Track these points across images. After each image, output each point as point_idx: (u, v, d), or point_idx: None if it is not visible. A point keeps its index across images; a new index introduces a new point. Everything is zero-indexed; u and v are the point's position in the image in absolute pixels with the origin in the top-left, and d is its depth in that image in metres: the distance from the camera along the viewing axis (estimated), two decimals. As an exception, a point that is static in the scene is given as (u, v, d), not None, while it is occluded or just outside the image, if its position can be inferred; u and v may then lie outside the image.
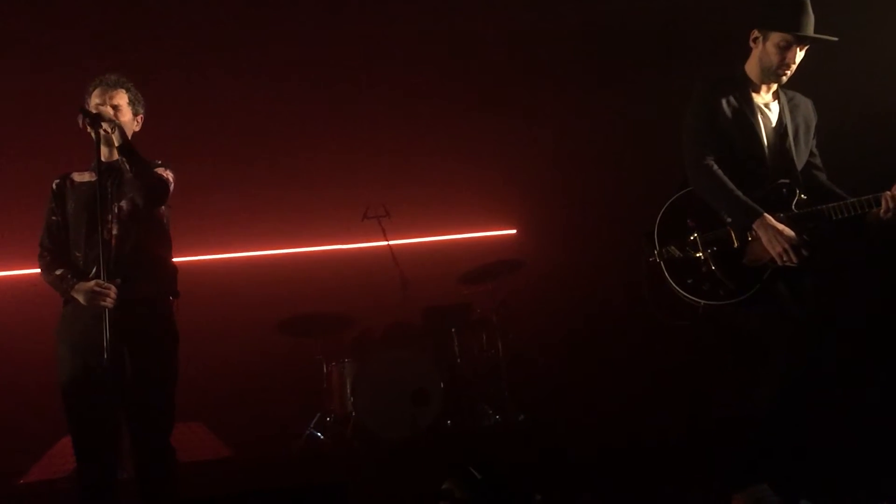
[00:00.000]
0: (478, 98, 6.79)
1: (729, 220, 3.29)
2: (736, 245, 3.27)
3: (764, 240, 3.19)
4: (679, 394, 5.25)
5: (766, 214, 3.20)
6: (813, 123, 3.51)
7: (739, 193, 3.26)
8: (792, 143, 3.41)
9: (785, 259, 3.16)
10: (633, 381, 5.69)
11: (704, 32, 5.55)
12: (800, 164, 3.43)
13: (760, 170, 3.36)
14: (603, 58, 6.44)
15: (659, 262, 3.36)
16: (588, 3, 6.13)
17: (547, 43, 6.50)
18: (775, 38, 3.33)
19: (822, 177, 3.52)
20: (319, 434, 5.63)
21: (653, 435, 4.50)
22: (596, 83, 6.50)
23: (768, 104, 3.46)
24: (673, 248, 3.36)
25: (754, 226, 3.20)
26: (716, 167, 3.32)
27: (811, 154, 3.52)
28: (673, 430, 4.50)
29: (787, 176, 3.37)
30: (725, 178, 3.29)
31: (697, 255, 3.32)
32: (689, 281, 3.31)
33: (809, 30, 3.31)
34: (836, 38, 3.32)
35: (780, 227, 3.18)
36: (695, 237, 3.34)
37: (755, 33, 3.41)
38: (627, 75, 6.29)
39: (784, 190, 3.33)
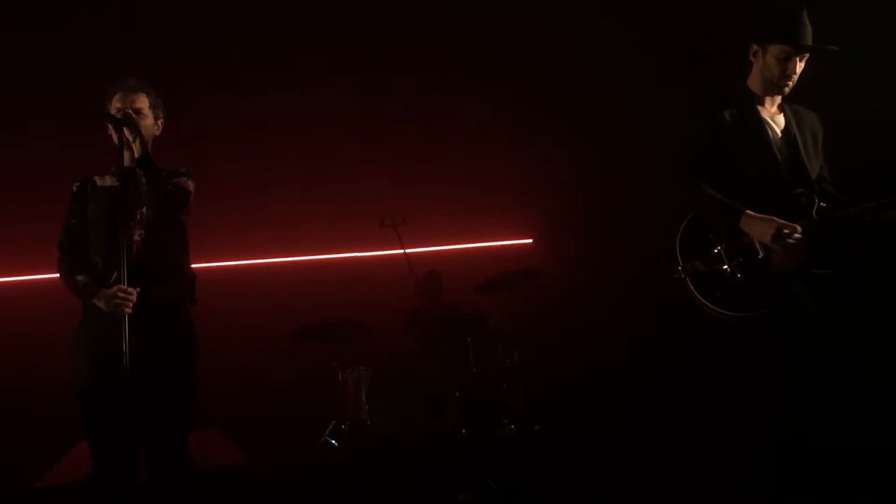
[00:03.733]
0: (496, 108, 6.80)
1: (715, 224, 3.31)
2: (761, 255, 3.25)
3: (755, 234, 3.22)
4: (698, 404, 5.21)
5: (747, 211, 3.22)
6: (820, 135, 3.52)
7: (721, 198, 3.28)
8: (803, 153, 3.40)
9: (782, 243, 3.17)
10: (650, 390, 5.65)
11: (726, 46, 5.54)
12: (813, 174, 3.42)
13: (775, 181, 3.35)
14: (622, 68, 6.43)
15: (684, 278, 3.32)
16: (610, 12, 6.13)
17: (565, 53, 6.50)
18: (774, 50, 3.35)
19: (831, 188, 3.50)
20: (334, 442, 5.63)
21: (671, 446, 4.47)
22: (615, 93, 6.48)
23: (774, 117, 3.47)
24: (698, 263, 3.33)
25: (741, 225, 3.23)
26: (701, 183, 3.33)
27: (821, 167, 3.50)
28: (692, 441, 4.47)
29: (803, 185, 3.36)
30: (709, 189, 3.31)
31: (724, 267, 3.29)
32: (717, 294, 3.27)
33: (808, 40, 3.33)
34: (835, 48, 3.35)
35: (761, 215, 3.21)
36: (719, 250, 3.32)
37: (754, 48, 3.43)
38: (647, 86, 6.27)
39: (803, 199, 3.32)
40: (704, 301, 3.28)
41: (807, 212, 3.30)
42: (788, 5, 3.40)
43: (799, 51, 3.33)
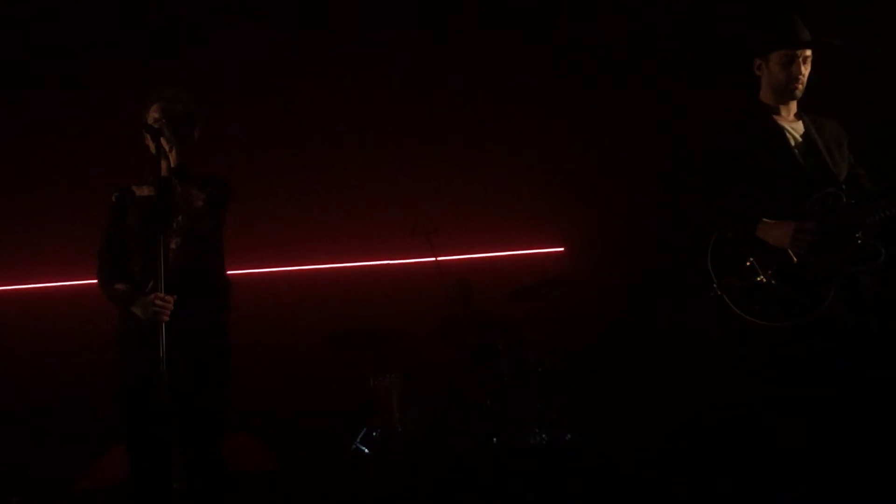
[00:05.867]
0: (527, 115, 6.80)
1: (730, 234, 3.31)
2: (796, 260, 3.22)
3: (772, 240, 3.22)
4: (733, 412, 5.15)
5: (763, 219, 3.24)
6: (844, 140, 3.50)
7: (735, 208, 3.30)
8: (826, 156, 3.38)
9: (801, 245, 3.17)
10: (683, 400, 5.60)
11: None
12: (840, 175, 3.39)
13: (800, 185, 3.33)
14: (652, 71, 6.39)
15: (721, 295, 3.29)
16: (636, 16, 6.11)
17: (593, 56, 6.48)
18: (776, 56, 3.40)
19: (869, 184, 3.46)
20: (366, 449, 5.64)
21: (705, 454, 4.43)
22: (649, 100, 6.45)
23: (792, 125, 3.47)
24: (732, 278, 3.30)
25: (757, 233, 3.24)
26: (715, 196, 3.34)
27: (851, 165, 3.47)
28: (725, 449, 4.42)
29: (830, 185, 3.32)
30: (723, 201, 3.32)
31: (759, 278, 3.26)
32: (756, 307, 3.24)
33: (805, 39, 3.37)
34: (834, 42, 3.37)
35: (776, 221, 3.22)
36: (751, 262, 3.29)
37: (757, 62, 3.48)
38: (682, 92, 6.22)
39: (830, 199, 3.29)
40: (745, 315, 3.24)
41: (834, 211, 3.26)
42: (781, 14, 3.44)
43: (797, 48, 3.36)
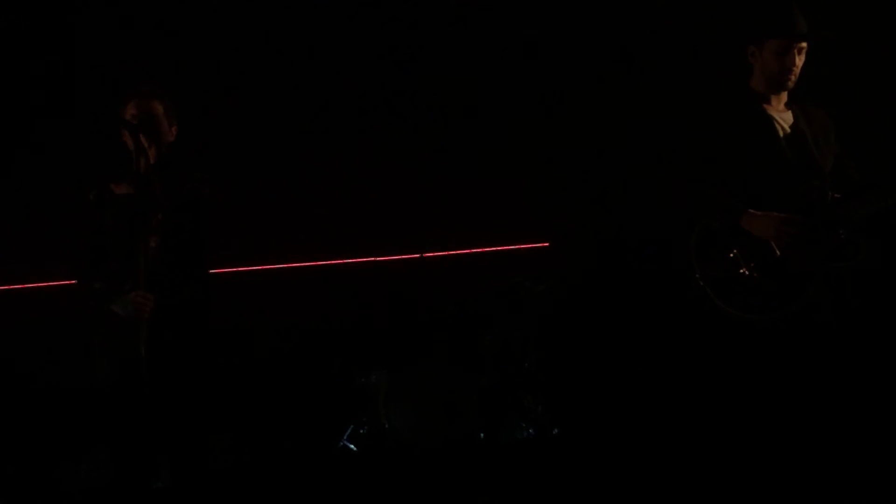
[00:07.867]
0: (511, 106, 6.77)
1: (715, 224, 3.30)
2: (778, 254, 3.23)
3: (755, 232, 3.21)
4: (720, 408, 5.16)
5: (748, 210, 3.22)
6: (832, 130, 3.49)
7: (720, 197, 3.29)
8: (813, 148, 3.38)
9: (785, 238, 3.17)
10: (671, 395, 5.61)
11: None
12: (826, 167, 3.40)
13: (786, 177, 3.33)
14: (639, 58, 6.38)
15: (703, 286, 3.28)
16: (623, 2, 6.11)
17: (577, 44, 6.47)
18: (771, 45, 3.35)
19: (856, 176, 3.47)
20: (352, 446, 5.63)
21: (692, 450, 4.44)
22: (634, 87, 6.43)
23: (781, 115, 3.45)
24: (715, 269, 3.30)
25: (741, 223, 3.23)
26: (699, 184, 3.34)
27: (838, 156, 3.48)
28: (714, 445, 4.43)
29: (815, 178, 3.33)
30: (708, 190, 3.31)
31: (741, 270, 3.26)
32: (737, 298, 3.24)
33: (802, 30, 3.34)
34: (832, 35, 3.36)
35: (761, 213, 3.21)
36: (734, 253, 3.29)
37: (751, 48, 3.43)
38: (668, 77, 6.21)
39: (814, 192, 3.29)
40: (726, 307, 3.25)
41: (819, 205, 3.27)
42: (778, 1, 3.41)
43: (794, 40, 3.33)
